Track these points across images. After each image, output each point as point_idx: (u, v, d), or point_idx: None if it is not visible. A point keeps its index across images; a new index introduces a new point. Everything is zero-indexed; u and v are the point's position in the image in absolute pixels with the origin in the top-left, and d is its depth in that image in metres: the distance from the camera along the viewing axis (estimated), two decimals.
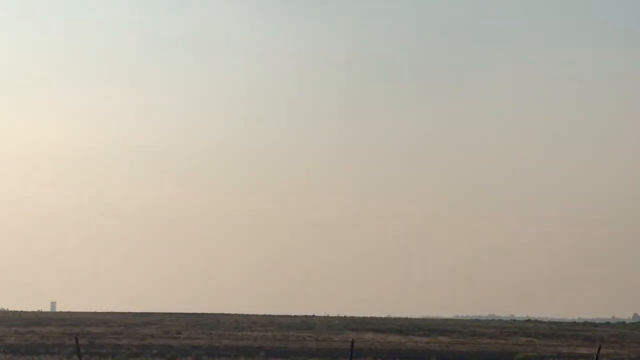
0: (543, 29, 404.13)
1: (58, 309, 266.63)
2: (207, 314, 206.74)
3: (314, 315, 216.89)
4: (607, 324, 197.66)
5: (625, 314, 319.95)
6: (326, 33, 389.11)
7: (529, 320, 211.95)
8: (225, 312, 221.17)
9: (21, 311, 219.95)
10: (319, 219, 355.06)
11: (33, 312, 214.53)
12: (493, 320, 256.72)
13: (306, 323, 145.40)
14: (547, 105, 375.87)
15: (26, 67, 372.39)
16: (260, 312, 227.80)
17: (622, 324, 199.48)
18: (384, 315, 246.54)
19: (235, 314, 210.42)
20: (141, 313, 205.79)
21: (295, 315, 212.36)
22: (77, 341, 26.37)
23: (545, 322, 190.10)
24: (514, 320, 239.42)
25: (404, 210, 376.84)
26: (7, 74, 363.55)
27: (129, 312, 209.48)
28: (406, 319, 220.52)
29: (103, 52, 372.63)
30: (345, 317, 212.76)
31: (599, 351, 27.78)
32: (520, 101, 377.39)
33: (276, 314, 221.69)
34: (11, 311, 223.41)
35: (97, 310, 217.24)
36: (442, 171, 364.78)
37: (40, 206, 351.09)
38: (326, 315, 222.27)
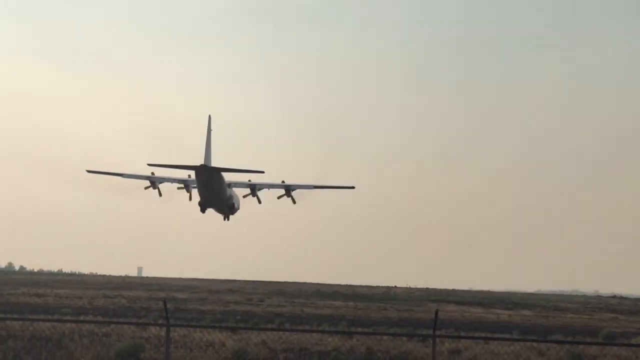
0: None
1: (144, 274, 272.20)
2: (288, 282, 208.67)
3: (395, 287, 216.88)
4: None
5: None
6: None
7: (614, 297, 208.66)
8: (307, 281, 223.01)
9: (109, 275, 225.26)
10: (407, 192, 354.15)
11: (120, 276, 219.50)
12: (577, 295, 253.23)
13: (388, 294, 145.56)
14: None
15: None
16: (342, 282, 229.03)
17: None
18: (465, 288, 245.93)
19: (317, 283, 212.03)
20: (224, 280, 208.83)
21: (377, 286, 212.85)
22: (165, 305, 27.11)
23: (631, 299, 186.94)
24: (599, 296, 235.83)
25: (485, 187, 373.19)
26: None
27: (212, 279, 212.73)
28: (488, 292, 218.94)
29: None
30: (426, 288, 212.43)
31: None
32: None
33: (358, 284, 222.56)
34: (100, 275, 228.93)
35: (182, 277, 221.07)
36: (533, 153, 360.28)
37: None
38: (407, 286, 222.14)
